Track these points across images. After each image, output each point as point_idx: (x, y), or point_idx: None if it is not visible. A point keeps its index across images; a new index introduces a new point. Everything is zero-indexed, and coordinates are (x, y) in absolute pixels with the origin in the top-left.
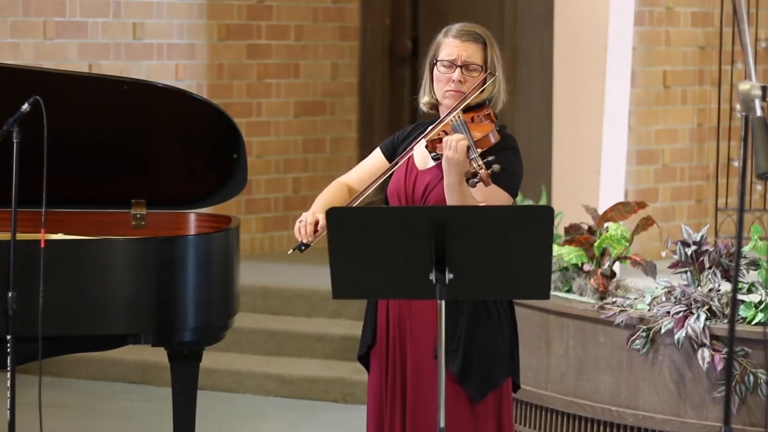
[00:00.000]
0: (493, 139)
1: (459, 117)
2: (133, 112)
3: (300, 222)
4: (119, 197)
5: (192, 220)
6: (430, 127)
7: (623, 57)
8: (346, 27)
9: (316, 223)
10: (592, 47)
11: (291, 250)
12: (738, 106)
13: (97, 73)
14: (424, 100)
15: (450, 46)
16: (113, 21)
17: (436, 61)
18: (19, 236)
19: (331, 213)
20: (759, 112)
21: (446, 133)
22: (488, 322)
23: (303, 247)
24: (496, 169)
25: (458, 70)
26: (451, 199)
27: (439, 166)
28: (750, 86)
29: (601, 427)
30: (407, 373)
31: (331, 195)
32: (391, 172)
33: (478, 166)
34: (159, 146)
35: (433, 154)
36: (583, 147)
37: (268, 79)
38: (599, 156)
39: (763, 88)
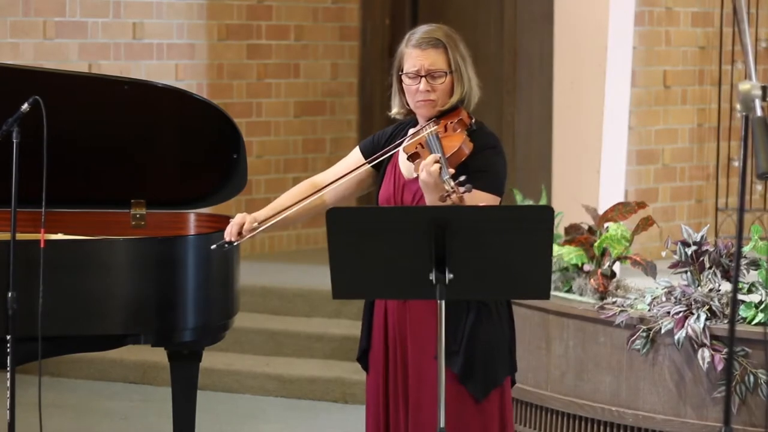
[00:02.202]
0: (467, 149)
1: (432, 132)
2: (133, 112)
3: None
4: (119, 197)
5: (192, 220)
6: (407, 139)
7: (623, 57)
8: (346, 27)
9: (242, 225)
10: (592, 47)
11: (214, 246)
12: (738, 106)
13: (97, 73)
14: (394, 110)
15: (412, 57)
16: (113, 21)
17: (402, 73)
18: (19, 236)
19: (331, 213)
20: (759, 112)
21: (422, 146)
22: (489, 322)
23: (227, 245)
24: (469, 189)
25: (423, 80)
26: None
27: None
28: (750, 86)
29: (601, 427)
30: (408, 375)
31: (289, 196)
32: (361, 168)
33: (451, 188)
34: (159, 146)
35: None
36: (583, 147)
37: (268, 79)
38: (599, 156)
39: (763, 88)
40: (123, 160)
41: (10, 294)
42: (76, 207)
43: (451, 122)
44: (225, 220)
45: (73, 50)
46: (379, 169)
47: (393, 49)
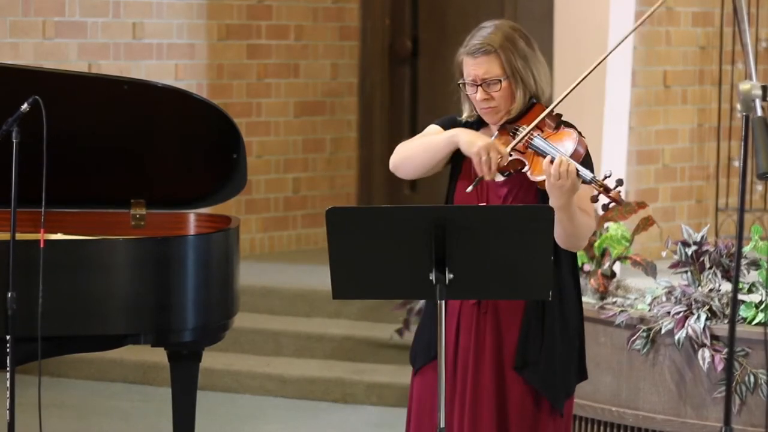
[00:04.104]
0: (582, 148)
1: (535, 135)
2: (132, 112)
3: (482, 157)
4: (119, 197)
5: (192, 220)
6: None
7: (623, 57)
8: (346, 27)
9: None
10: (592, 47)
11: (470, 188)
12: (738, 106)
13: (96, 73)
14: (465, 115)
15: (467, 65)
16: (113, 21)
17: (461, 81)
18: (19, 236)
19: (331, 213)
20: (759, 112)
21: (521, 152)
22: (566, 324)
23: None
24: (621, 182)
25: (479, 89)
26: (559, 219)
27: (511, 180)
28: (750, 86)
29: (601, 427)
30: (481, 387)
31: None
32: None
33: (600, 187)
34: (159, 146)
35: (505, 173)
36: None
37: (268, 79)
38: (599, 156)
39: (764, 88)
40: (123, 160)
41: (10, 294)
42: (76, 207)
43: (545, 121)
44: (225, 220)
45: (73, 50)
46: (452, 163)
47: (393, 49)
